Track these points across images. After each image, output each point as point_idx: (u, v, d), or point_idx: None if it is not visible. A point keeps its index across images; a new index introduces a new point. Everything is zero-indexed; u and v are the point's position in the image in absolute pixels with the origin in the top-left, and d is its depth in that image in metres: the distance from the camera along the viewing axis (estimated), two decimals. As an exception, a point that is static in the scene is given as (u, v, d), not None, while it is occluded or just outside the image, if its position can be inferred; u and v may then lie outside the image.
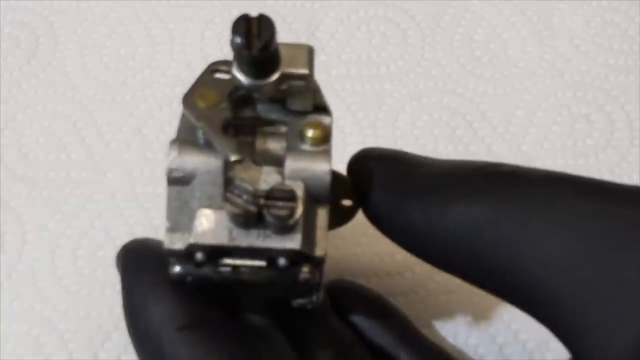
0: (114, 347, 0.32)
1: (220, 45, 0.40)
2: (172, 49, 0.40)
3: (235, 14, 0.40)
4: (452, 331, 0.32)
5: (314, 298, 0.25)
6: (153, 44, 0.40)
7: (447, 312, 0.33)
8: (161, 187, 0.35)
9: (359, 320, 0.28)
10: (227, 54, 0.41)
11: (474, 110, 0.38)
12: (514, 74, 0.39)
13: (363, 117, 0.38)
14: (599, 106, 0.38)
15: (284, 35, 0.40)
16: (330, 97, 0.38)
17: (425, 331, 0.29)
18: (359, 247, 0.34)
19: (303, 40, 0.40)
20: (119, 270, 0.26)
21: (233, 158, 0.22)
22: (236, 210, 0.22)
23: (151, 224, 0.35)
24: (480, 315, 0.32)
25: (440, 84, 0.39)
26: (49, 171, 0.36)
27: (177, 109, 0.38)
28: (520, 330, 0.32)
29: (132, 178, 0.36)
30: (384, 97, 0.38)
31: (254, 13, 0.22)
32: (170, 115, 0.38)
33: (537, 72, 0.39)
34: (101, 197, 0.35)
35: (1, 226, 0.35)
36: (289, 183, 0.23)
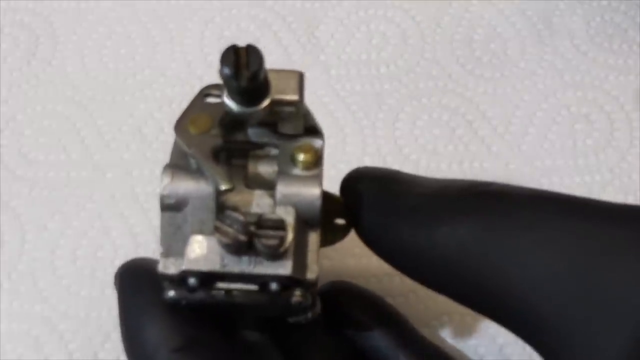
0: (114, 347, 0.32)
1: (220, 45, 0.39)
2: (172, 49, 0.40)
3: (235, 14, 0.41)
4: (452, 331, 0.32)
5: (309, 315, 0.25)
6: (153, 44, 0.40)
7: (447, 312, 0.33)
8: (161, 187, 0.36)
9: (357, 321, 0.28)
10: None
11: (474, 110, 0.38)
12: (514, 74, 0.39)
13: (363, 117, 0.38)
14: (599, 106, 0.38)
15: (283, 36, 0.40)
16: (330, 97, 0.38)
17: (424, 331, 0.29)
18: (358, 248, 0.33)
19: (303, 40, 0.40)
20: (116, 291, 0.26)
21: (223, 187, 0.23)
22: (226, 240, 0.22)
23: (151, 224, 0.35)
24: (480, 315, 0.32)
25: (440, 84, 0.39)
26: (49, 171, 0.36)
27: (177, 108, 0.38)
28: (520, 330, 0.32)
29: (132, 178, 0.36)
30: (384, 97, 0.38)
31: (242, 43, 0.22)
32: (170, 115, 0.38)
33: (537, 72, 0.39)
34: (101, 197, 0.35)
35: (1, 226, 0.35)
36: (279, 210, 0.23)
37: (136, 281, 0.26)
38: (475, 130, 0.37)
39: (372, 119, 0.38)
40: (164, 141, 0.37)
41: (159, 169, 0.36)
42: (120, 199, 0.35)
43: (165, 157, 0.37)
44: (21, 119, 0.38)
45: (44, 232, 0.35)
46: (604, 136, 0.37)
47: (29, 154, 0.37)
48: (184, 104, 0.38)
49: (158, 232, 0.35)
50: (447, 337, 0.32)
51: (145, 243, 0.34)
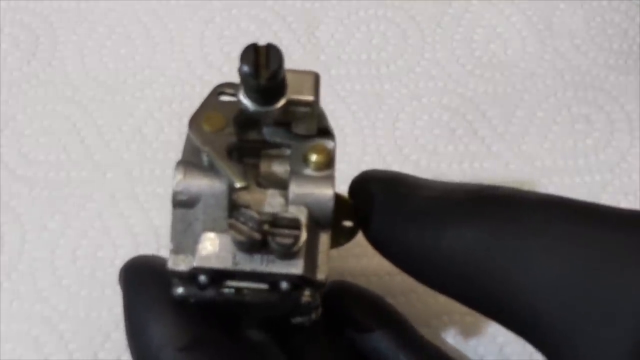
0: (114, 347, 0.32)
1: (220, 45, 0.40)
2: (172, 49, 0.40)
3: (235, 14, 0.41)
4: (452, 331, 0.32)
5: (313, 316, 0.25)
6: (153, 44, 0.40)
7: (447, 312, 0.33)
8: (161, 187, 0.36)
9: (357, 322, 0.28)
10: (227, 53, 0.41)
11: (474, 110, 0.38)
12: (514, 74, 0.39)
13: (363, 117, 0.38)
14: (599, 106, 0.38)
15: (284, 36, 0.40)
16: (330, 97, 0.38)
17: (424, 331, 0.29)
18: (359, 247, 0.33)
19: (303, 40, 0.40)
20: (121, 287, 0.26)
21: (238, 185, 0.23)
22: (241, 238, 0.22)
23: (151, 223, 0.35)
24: (480, 315, 0.32)
25: (440, 84, 0.39)
26: (49, 171, 0.36)
27: (177, 108, 0.38)
28: (520, 330, 0.32)
29: (132, 178, 0.36)
30: (384, 97, 0.38)
31: (262, 42, 0.22)
32: (170, 115, 0.38)
33: (537, 72, 0.39)
34: (101, 197, 0.35)
35: (1, 226, 0.35)
36: (293, 210, 0.23)
37: (141, 278, 0.26)
38: (475, 130, 0.37)
39: (372, 119, 0.38)
40: (164, 141, 0.37)
41: (159, 169, 0.37)
42: (120, 199, 0.35)
43: (165, 157, 0.37)
44: (21, 119, 0.38)
45: (44, 232, 0.35)
46: (604, 136, 0.37)
47: (29, 154, 0.37)
48: (184, 104, 0.38)
49: (158, 232, 0.35)
50: (447, 336, 0.32)
51: (145, 243, 0.34)
